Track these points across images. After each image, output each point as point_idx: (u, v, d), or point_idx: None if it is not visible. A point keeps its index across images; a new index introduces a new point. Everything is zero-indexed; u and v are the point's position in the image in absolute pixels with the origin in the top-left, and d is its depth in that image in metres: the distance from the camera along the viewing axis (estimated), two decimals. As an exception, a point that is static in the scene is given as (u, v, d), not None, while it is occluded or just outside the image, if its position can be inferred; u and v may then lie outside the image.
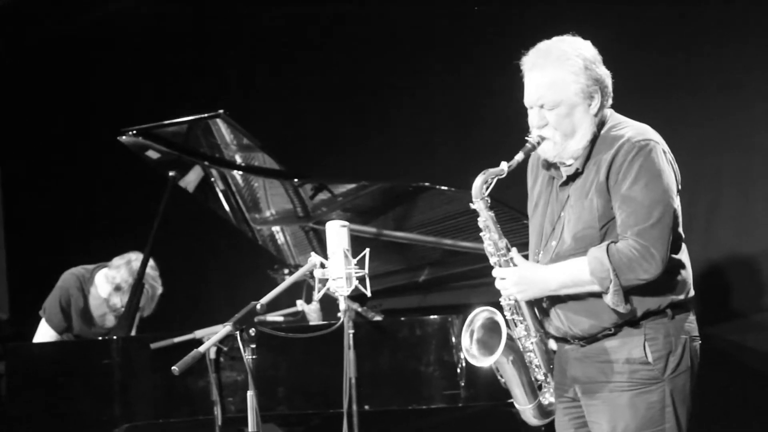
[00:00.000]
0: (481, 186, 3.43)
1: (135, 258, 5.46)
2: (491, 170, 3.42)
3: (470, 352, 3.46)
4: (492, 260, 3.48)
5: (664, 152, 3.37)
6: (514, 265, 3.43)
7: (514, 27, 5.59)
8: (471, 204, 3.46)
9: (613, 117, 3.45)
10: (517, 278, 3.40)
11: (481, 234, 3.48)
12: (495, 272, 3.46)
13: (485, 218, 3.46)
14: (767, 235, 5.24)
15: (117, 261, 5.49)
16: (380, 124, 6.32)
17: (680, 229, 3.40)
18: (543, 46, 3.43)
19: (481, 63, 5.88)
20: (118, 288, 5.42)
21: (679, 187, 3.41)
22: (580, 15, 5.31)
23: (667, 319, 3.35)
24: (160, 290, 5.47)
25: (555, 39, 3.44)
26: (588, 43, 3.44)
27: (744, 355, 5.33)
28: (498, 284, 3.45)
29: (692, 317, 3.41)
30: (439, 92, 6.15)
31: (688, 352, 3.37)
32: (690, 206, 5.27)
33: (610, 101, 3.46)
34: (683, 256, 3.42)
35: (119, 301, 5.42)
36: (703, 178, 5.34)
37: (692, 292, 3.42)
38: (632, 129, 3.39)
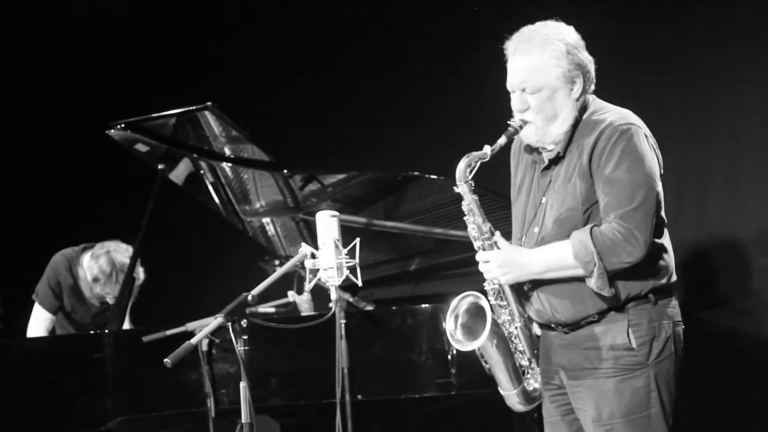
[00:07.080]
0: (464, 169, 3.43)
1: (114, 248, 5.47)
2: (474, 153, 3.42)
3: (455, 336, 3.47)
4: (476, 244, 3.48)
5: (646, 136, 3.38)
6: (498, 248, 3.44)
7: (513, 27, 5.58)
8: (455, 188, 3.46)
9: (595, 102, 3.46)
10: (501, 261, 3.40)
11: (465, 218, 3.48)
12: (479, 256, 3.46)
13: (469, 202, 3.46)
14: (756, 221, 5.25)
15: (97, 250, 5.50)
16: (376, 118, 6.31)
17: (663, 214, 3.40)
18: (526, 30, 3.44)
19: (479, 60, 5.87)
20: (96, 279, 5.44)
21: (662, 171, 3.41)
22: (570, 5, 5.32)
23: (650, 304, 3.35)
24: (141, 278, 5.47)
25: (538, 24, 3.45)
26: (571, 28, 3.44)
27: (734, 340, 5.34)
28: (482, 267, 3.45)
29: (675, 302, 3.42)
30: (434, 87, 6.14)
31: (672, 337, 3.37)
32: (679, 192, 5.31)
33: (593, 87, 3.46)
34: (665, 240, 3.42)
35: (100, 290, 5.45)
36: (691, 164, 5.34)
37: (674, 277, 3.42)
38: (614, 114, 3.40)
